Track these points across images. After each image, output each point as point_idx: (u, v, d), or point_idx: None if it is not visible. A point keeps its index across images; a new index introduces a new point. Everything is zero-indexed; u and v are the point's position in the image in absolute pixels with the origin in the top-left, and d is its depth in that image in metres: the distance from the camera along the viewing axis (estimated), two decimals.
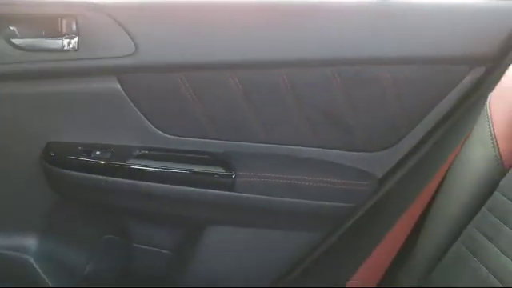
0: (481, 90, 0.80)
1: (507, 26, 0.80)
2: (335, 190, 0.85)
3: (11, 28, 0.80)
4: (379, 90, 0.83)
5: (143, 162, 0.85)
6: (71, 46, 0.80)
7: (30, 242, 0.93)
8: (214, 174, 0.85)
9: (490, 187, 0.66)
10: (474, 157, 0.71)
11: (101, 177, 0.85)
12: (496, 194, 0.64)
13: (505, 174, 0.65)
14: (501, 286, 0.59)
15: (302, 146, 0.87)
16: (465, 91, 0.82)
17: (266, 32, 0.81)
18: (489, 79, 0.79)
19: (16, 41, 0.80)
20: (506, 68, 0.70)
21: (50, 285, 0.92)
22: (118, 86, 0.83)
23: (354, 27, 0.81)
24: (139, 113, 0.85)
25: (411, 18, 0.81)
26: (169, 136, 0.87)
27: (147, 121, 0.86)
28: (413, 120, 0.85)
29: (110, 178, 0.85)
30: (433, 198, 0.77)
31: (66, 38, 0.80)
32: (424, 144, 0.85)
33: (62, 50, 0.80)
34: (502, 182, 0.64)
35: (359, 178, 0.87)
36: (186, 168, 0.85)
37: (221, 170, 0.85)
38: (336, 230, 0.88)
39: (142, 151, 0.87)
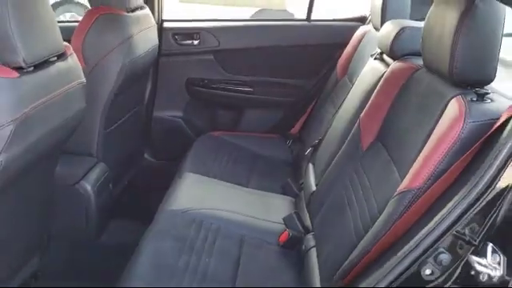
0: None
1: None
2: None
3: (176, 36, 2.39)
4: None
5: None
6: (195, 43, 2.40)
7: None
8: None
9: None
10: None
11: (202, 89, 2.46)
12: None
13: None
14: None
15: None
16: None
17: (249, 35, 2.42)
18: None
19: (180, 42, 2.40)
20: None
21: None
22: (213, 57, 2.43)
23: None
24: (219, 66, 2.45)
25: None
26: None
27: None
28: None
29: (207, 90, 2.46)
30: None
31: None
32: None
33: (193, 45, 2.40)
34: None
35: None
36: None
37: None
38: None
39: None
